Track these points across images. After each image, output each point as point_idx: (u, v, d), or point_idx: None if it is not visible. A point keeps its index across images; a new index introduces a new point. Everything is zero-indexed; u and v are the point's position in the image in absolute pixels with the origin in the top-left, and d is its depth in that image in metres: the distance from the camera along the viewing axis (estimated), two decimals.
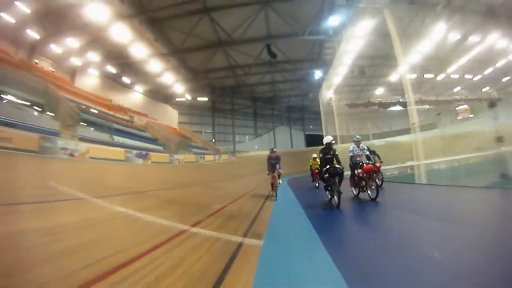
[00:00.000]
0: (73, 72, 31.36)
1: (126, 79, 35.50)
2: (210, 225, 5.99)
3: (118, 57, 29.99)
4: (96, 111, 27.41)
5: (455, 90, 41.14)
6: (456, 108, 39.52)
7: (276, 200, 10.43)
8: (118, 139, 24.31)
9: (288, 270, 3.40)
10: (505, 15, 24.33)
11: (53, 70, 28.73)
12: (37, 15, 22.77)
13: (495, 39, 28.29)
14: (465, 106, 39.15)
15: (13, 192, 7.19)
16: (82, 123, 22.31)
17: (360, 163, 9.33)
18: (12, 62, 23.17)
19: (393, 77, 33.51)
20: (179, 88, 39.58)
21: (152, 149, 27.83)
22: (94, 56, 29.53)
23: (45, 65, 27.98)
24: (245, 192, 13.59)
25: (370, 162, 9.22)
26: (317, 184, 14.46)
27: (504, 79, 35.66)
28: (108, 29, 24.70)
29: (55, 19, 23.69)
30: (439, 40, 27.30)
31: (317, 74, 34.14)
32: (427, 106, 41.65)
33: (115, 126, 26.40)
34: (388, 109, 38.29)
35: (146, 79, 35.83)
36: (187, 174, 23.65)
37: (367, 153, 9.61)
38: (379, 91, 39.29)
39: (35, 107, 20.25)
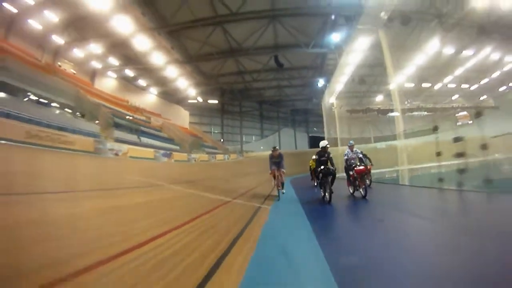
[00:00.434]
0: (93, 74, 33.59)
1: (142, 82, 37.94)
2: (243, 199, 10.94)
3: (137, 62, 32.31)
4: (126, 116, 30.20)
5: (453, 98, 43.07)
6: (456, 115, 41.37)
7: (278, 200, 10.15)
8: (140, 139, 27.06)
9: (284, 234, 5.52)
10: (497, 32, 26.29)
11: (75, 72, 30.68)
12: (63, 23, 25.02)
13: (488, 52, 30.08)
14: (465, 113, 40.93)
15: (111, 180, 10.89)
16: (115, 127, 25.20)
17: (353, 165, 10.21)
18: (40, 65, 25.30)
19: (391, 86, 35.36)
20: (191, 91, 42.13)
21: (170, 148, 30.42)
22: (114, 61, 31.93)
23: (67, 67, 29.91)
24: (257, 185, 16.43)
25: (362, 164, 10.16)
26: (315, 183, 15.35)
27: (500, 89, 37.57)
28: (129, 38, 27.05)
29: (80, 26, 26.01)
30: (435, 53, 28.84)
31: (320, 82, 36.06)
32: (425, 113, 43.80)
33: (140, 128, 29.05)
34: (387, 115, 40.28)
35: (161, 82, 38.34)
36: (205, 171, 26.47)
37: (360, 156, 10.65)
38: (379, 98, 41.21)
39: (78, 113, 22.94)
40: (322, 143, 9.91)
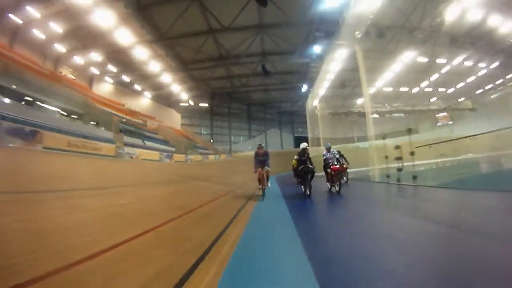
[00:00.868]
0: (91, 79, 35.50)
1: (137, 87, 39.97)
2: (239, 189, 13.42)
3: (133, 69, 34.43)
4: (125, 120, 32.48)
5: (431, 100, 45.60)
6: (437, 116, 43.89)
7: (263, 200, 9.72)
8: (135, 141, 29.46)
9: (268, 217, 6.92)
10: (468, 42, 28.77)
11: (74, 77, 32.40)
12: (66, 33, 26.80)
13: (462, 60, 32.42)
14: (445, 114, 43.58)
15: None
16: (123, 132, 27.67)
17: (330, 164, 11.07)
18: (43, 73, 26.94)
19: (371, 90, 37.75)
20: (183, 95, 44.51)
21: (169, 150, 32.72)
22: (111, 67, 33.97)
23: (67, 73, 31.68)
24: (248, 179, 18.29)
25: (338, 164, 11.03)
26: (298, 181, 15.32)
27: (477, 91, 39.89)
28: (126, 47, 29.22)
29: (80, 36, 27.80)
30: (410, 61, 31.27)
31: (304, 87, 38.51)
32: (403, 114, 46.43)
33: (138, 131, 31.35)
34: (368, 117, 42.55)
35: (156, 87, 40.50)
36: (202, 170, 28.92)
37: (337, 156, 11.45)
38: (360, 101, 43.41)
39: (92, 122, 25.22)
40: (302, 145, 10.85)
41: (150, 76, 36.87)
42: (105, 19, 24.28)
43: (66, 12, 23.65)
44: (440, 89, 42.45)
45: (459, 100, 42.64)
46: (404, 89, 41.56)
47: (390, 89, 39.79)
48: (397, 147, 12.65)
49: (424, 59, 32.19)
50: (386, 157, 13.60)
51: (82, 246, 3.64)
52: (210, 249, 3.85)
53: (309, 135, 33.70)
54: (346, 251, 3.70)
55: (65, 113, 23.16)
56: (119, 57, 31.87)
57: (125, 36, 27.20)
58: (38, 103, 20.96)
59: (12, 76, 20.13)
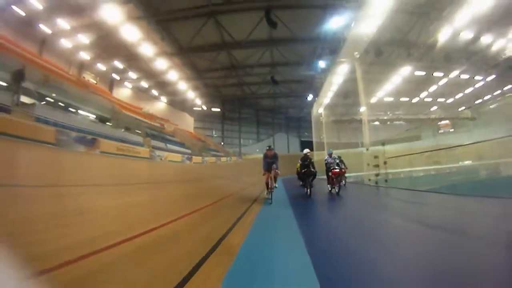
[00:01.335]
0: (111, 84, 38.21)
1: (154, 92, 42.98)
2: (252, 186, 15.75)
3: (152, 76, 37.48)
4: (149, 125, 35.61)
5: (432, 109, 47.71)
6: (439, 123, 45.63)
7: (271, 203, 9.27)
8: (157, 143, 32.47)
9: (273, 211, 8.16)
10: (463, 57, 31.08)
11: (96, 82, 34.94)
12: (92, 43, 29.49)
13: (458, 73, 34.48)
14: (447, 122, 45.37)
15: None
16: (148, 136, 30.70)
17: (331, 168, 12.01)
18: (69, 79, 29.15)
19: (372, 100, 40.18)
20: (197, 100, 47.72)
21: (187, 152, 35.61)
22: (132, 74, 37.06)
23: (89, 77, 34.17)
24: (258, 179, 20.39)
25: (338, 168, 11.96)
26: (301, 183, 15.25)
27: (476, 101, 41.74)
28: (148, 57, 31.97)
29: (105, 46, 30.37)
30: (409, 74, 33.54)
31: (310, 96, 41.14)
32: (403, 122, 48.68)
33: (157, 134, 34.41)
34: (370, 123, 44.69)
35: (172, 93, 43.58)
36: (218, 170, 31.61)
37: (338, 161, 12.46)
38: (362, 109, 45.47)
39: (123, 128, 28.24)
40: (305, 151, 11.98)
41: (167, 83, 39.66)
42: (129, 32, 26.82)
43: (92, 25, 26.16)
44: (439, 99, 44.47)
45: (459, 109, 44.77)
46: (404, 99, 43.63)
47: (391, 99, 41.93)
48: (376, 156, 15.24)
49: (421, 73, 34.42)
50: (375, 165, 15.90)
51: (151, 217, 5.94)
52: (243, 215, 6.75)
53: (314, 140, 36.22)
54: (323, 222, 6.38)
55: (106, 122, 26.43)
56: (139, 65, 34.53)
57: (146, 47, 29.81)
58: (80, 111, 24.28)
59: (56, 87, 23.05)
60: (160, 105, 46.18)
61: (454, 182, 13.84)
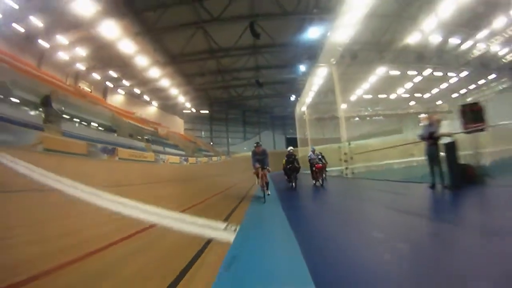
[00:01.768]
0: (105, 91, 39.71)
1: (146, 97, 45.00)
2: (244, 182, 17.15)
3: (145, 84, 39.78)
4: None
5: (410, 104, 50.26)
6: (419, 116, 47.79)
7: (264, 202, 8.47)
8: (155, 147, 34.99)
9: (263, 199, 8.76)
10: (435, 56, 33.84)
11: (90, 90, 36.55)
12: (88, 55, 31.23)
13: (431, 71, 37.29)
14: (426, 115, 47.57)
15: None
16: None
17: (314, 163, 12.97)
18: (67, 89, 30.75)
19: (352, 97, 42.98)
20: (186, 103, 50.08)
21: (180, 154, 37.98)
22: (125, 82, 38.92)
23: (84, 86, 35.77)
24: (249, 175, 21.27)
25: (320, 162, 12.90)
26: (287, 178, 15.08)
27: (453, 95, 44.11)
28: (141, 67, 34.25)
29: (100, 57, 32.17)
30: (385, 73, 36.48)
31: (292, 97, 43.86)
32: (382, 118, 51.41)
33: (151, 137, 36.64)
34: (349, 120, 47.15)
35: (162, 97, 45.96)
36: (211, 169, 33.91)
37: (320, 157, 13.36)
38: (343, 106, 47.84)
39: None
40: (289, 148, 12.75)
41: (158, 89, 42.07)
42: (124, 45, 29.17)
43: (89, 39, 28.12)
44: (416, 95, 47.12)
45: (437, 103, 47.26)
46: (382, 95, 46.25)
47: (370, 96, 44.62)
48: (345, 153, 17.89)
49: (396, 72, 37.15)
50: (349, 158, 18.37)
51: (171, 206, 8.48)
52: (242, 199, 9.21)
53: (298, 137, 38.28)
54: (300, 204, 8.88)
55: (113, 131, 28.70)
56: (132, 73, 36.47)
57: (140, 58, 32.16)
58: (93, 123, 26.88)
59: (73, 104, 25.54)
60: (151, 109, 48.03)
61: (403, 172, 16.24)
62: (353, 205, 7.84)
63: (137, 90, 42.25)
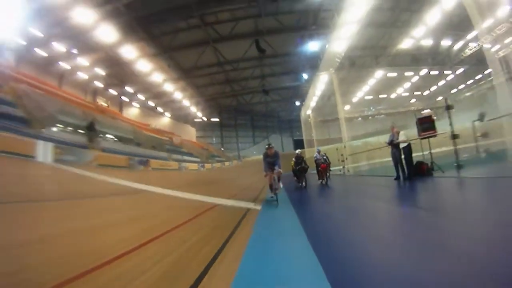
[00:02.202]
0: (121, 105, 42.22)
1: (160, 109, 47.93)
2: (257, 183, 18.78)
3: (159, 97, 42.99)
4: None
5: (411, 102, 52.03)
6: (422, 112, 49.19)
7: (277, 206, 7.98)
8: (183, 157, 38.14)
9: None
10: (430, 57, 36.72)
11: (108, 105, 38.86)
12: (107, 74, 34.21)
13: (427, 71, 39.73)
14: (428, 111, 49.11)
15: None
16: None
17: (320, 163, 13.88)
18: (88, 106, 32.80)
19: (354, 99, 45.36)
20: (197, 112, 53.20)
21: (195, 160, 40.80)
22: (140, 96, 41.75)
23: (101, 102, 37.92)
24: (259, 178, 22.99)
25: (324, 162, 13.86)
26: (296, 178, 15.18)
27: (452, 91, 45.64)
28: (156, 82, 37.34)
29: (118, 75, 35.34)
30: (382, 76, 38.57)
31: (297, 102, 46.34)
32: (383, 116, 53.27)
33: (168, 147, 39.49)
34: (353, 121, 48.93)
35: (175, 108, 49.10)
36: (225, 173, 35.56)
37: (325, 157, 14.27)
38: (347, 107, 49.76)
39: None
40: (298, 151, 13.63)
41: (171, 101, 45.20)
42: (140, 64, 32.47)
43: (107, 60, 31.03)
44: (416, 93, 48.95)
45: (437, 99, 48.91)
46: (383, 95, 48.47)
47: (371, 96, 46.91)
48: (342, 154, 20.37)
49: (393, 74, 39.49)
50: (345, 158, 20.72)
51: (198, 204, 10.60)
52: (261, 192, 11.95)
53: (305, 138, 40.42)
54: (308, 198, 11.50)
55: (136, 143, 31.38)
56: (147, 88, 39.45)
57: (155, 75, 35.32)
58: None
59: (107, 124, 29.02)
60: (165, 120, 50.59)
61: (383, 169, 18.17)
62: (349, 189, 11.94)
63: (151, 103, 44.91)
